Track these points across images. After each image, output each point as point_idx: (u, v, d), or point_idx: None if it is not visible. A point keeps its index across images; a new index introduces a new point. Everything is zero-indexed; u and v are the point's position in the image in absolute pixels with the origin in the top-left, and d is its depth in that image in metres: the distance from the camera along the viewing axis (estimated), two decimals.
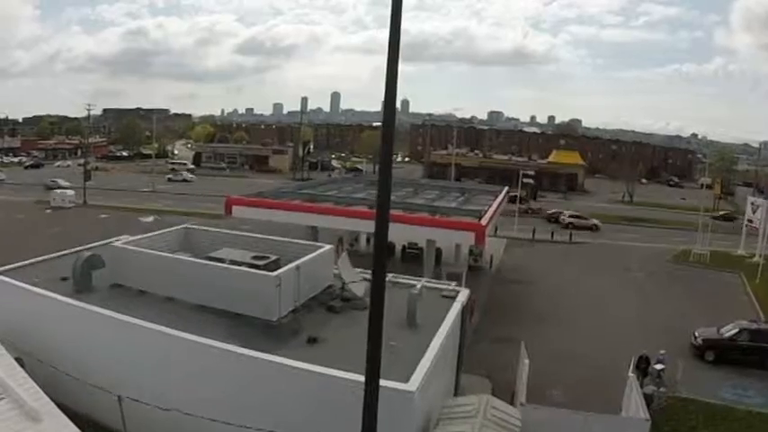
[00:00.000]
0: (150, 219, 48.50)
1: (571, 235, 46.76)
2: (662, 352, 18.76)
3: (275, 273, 13.66)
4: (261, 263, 15.12)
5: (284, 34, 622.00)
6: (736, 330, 23.28)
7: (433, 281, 18.29)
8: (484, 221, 22.24)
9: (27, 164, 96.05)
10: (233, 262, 15.05)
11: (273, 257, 15.69)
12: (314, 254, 15.74)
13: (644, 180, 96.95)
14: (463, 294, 16.51)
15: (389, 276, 17.44)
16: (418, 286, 16.88)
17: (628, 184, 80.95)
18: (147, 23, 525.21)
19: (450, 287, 17.17)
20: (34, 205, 53.80)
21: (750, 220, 43.87)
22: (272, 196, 27.48)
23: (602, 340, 23.93)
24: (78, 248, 19.12)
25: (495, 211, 27.34)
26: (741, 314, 28.88)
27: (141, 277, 15.40)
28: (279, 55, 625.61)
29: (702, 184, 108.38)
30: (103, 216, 49.21)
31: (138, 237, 17.68)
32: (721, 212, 51.95)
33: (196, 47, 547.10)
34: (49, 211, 51.67)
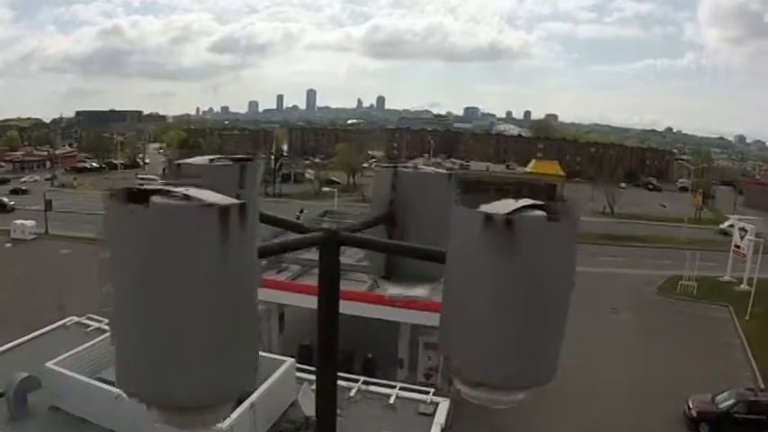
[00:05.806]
0: None
1: None
2: None
3: (226, 423, 11.85)
4: None
5: (260, 32, 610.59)
6: (732, 402, 21.96)
7: (410, 387, 16.53)
8: None
9: None
10: None
11: None
12: (273, 378, 13.91)
13: (623, 185, 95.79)
14: (442, 410, 14.86)
15: (359, 383, 15.86)
16: (392, 400, 15.33)
17: (608, 192, 79.39)
18: (122, 22, 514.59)
19: (428, 399, 15.45)
20: None
21: (737, 246, 42.76)
22: None
23: (592, 419, 22.34)
24: (17, 342, 17.35)
25: None
26: (734, 366, 27.83)
27: (80, 405, 13.74)
28: (254, 53, 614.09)
29: (683, 187, 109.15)
30: (65, 252, 46.57)
31: (78, 349, 15.75)
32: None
33: (171, 45, 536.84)
34: (8, 245, 49.05)
